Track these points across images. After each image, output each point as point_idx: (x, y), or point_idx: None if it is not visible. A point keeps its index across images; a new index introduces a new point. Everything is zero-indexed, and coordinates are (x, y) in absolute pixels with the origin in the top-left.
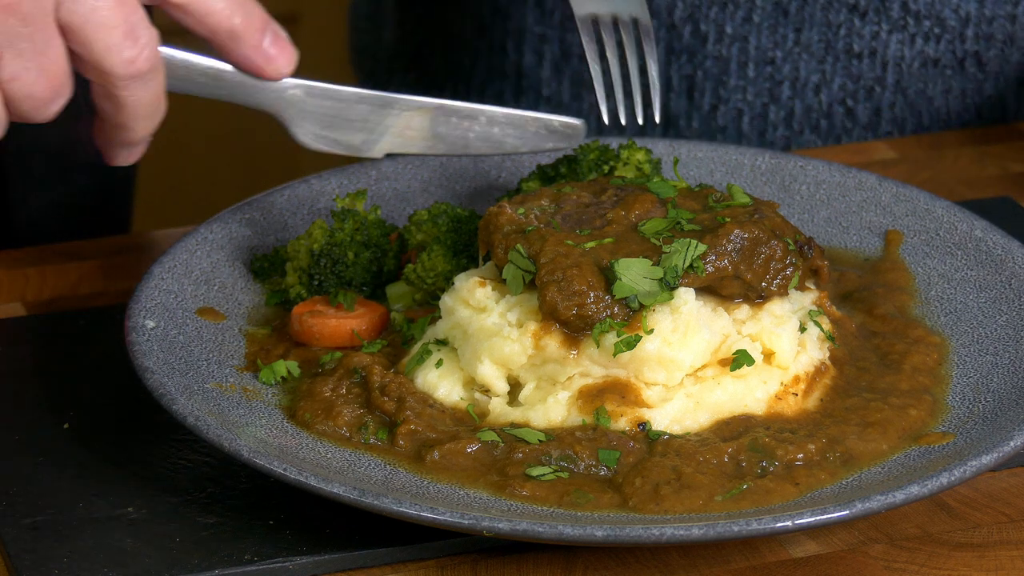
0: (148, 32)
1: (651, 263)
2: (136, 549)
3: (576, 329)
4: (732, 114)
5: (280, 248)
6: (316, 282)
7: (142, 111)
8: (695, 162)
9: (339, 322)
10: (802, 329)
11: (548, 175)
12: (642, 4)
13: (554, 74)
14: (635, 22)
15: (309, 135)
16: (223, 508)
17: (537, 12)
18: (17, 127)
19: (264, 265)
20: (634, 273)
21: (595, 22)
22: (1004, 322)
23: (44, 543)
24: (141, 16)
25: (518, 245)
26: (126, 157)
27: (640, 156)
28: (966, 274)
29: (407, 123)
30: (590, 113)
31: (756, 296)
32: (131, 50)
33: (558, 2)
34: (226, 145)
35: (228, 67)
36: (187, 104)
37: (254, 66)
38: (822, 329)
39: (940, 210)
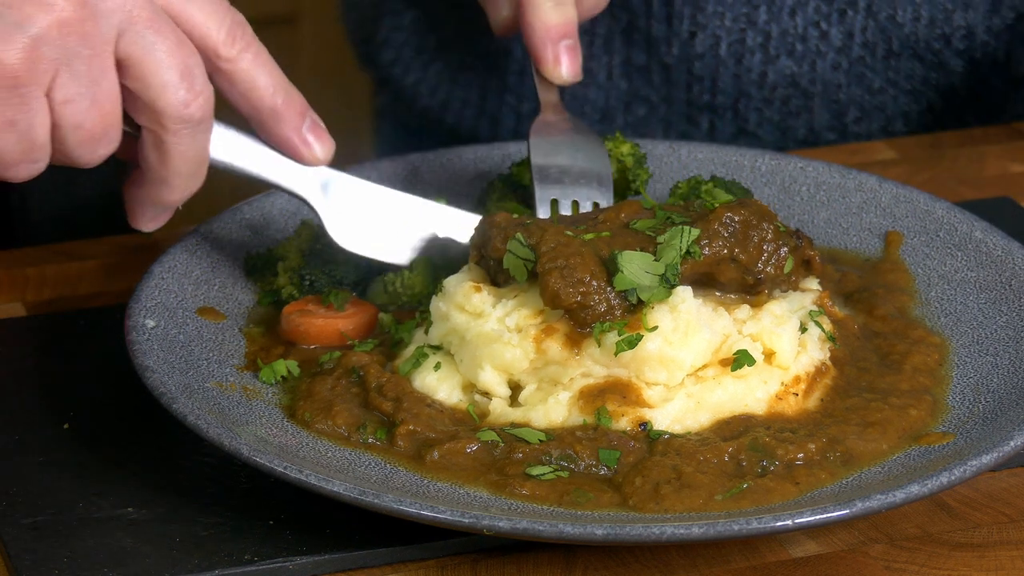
0: (204, 81)
1: (653, 259)
2: (136, 549)
3: (578, 319)
4: (710, 40)
5: (274, 248)
6: (307, 282)
7: (185, 167)
8: (695, 163)
9: (326, 321)
10: (803, 329)
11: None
12: (605, 184)
13: None
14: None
15: (341, 234)
16: (223, 508)
17: None
18: None
19: (257, 264)
20: (636, 266)
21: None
22: (1004, 323)
23: (44, 543)
24: (199, 62)
25: (518, 234)
26: (151, 219)
27: (625, 149)
28: (966, 275)
29: (439, 230)
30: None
31: (753, 280)
32: (187, 93)
33: None
34: None
35: (270, 149)
36: None
37: (292, 148)
38: (823, 329)
39: (940, 211)
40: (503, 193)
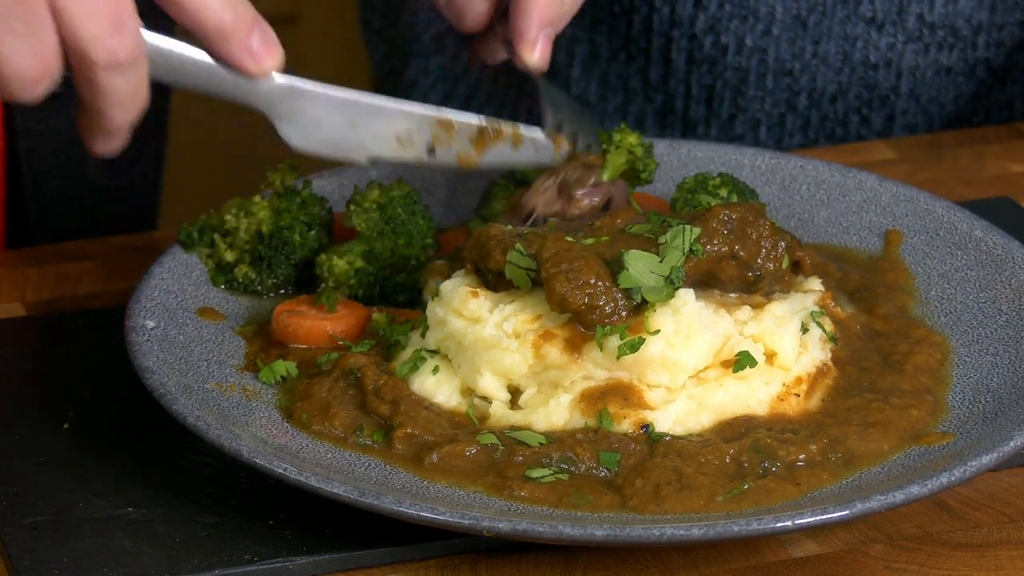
0: (133, 22)
1: (658, 260)
2: (136, 549)
3: (586, 320)
4: (750, 123)
5: (207, 218)
6: (266, 264)
7: (120, 100)
8: (695, 162)
9: (314, 323)
10: (804, 330)
11: None
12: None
13: (583, 73)
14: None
15: (295, 135)
16: (223, 508)
17: None
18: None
19: (194, 235)
20: (641, 266)
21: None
22: (1004, 322)
23: (44, 543)
24: (129, 7)
25: (517, 244)
26: (106, 146)
27: (632, 140)
28: (966, 274)
29: (394, 129)
30: (615, 113)
31: (754, 277)
32: (115, 42)
33: (588, 4)
34: (226, 145)
35: (214, 61)
36: (186, 104)
37: (240, 63)
38: (824, 330)
39: (940, 210)
40: (507, 192)
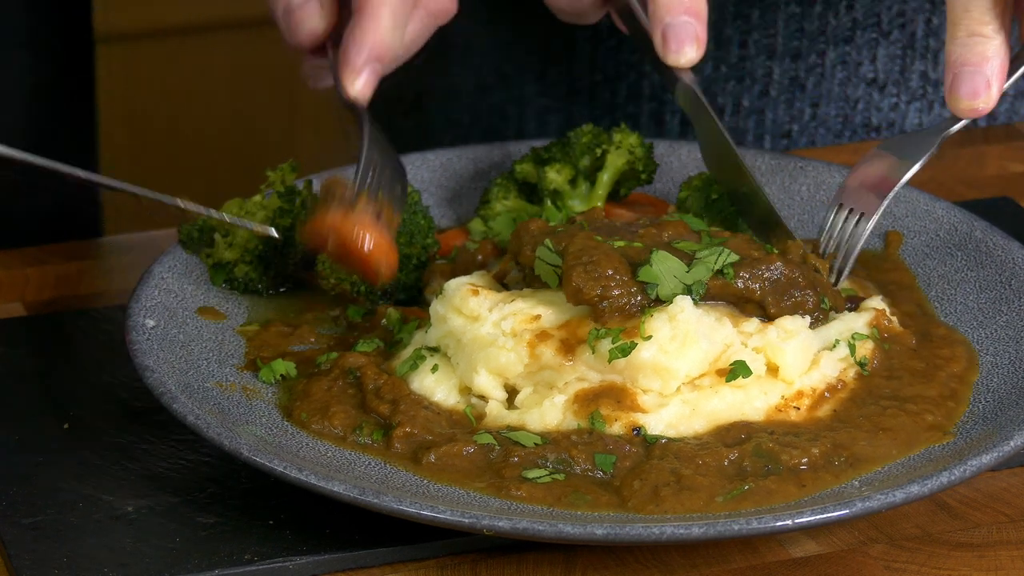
0: None
1: (685, 269)
2: (136, 549)
3: (598, 313)
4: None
5: (209, 219)
6: (266, 264)
7: None
8: (695, 162)
9: (382, 236)
10: (832, 347)
11: (542, 157)
12: None
13: None
14: None
15: None
16: (223, 508)
17: (541, 84)
18: None
19: (194, 235)
20: (666, 267)
21: None
22: (1004, 322)
23: (44, 543)
24: None
25: (547, 240)
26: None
27: (633, 140)
28: (966, 275)
29: None
30: None
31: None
32: None
33: (563, 75)
34: (227, 146)
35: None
36: (186, 104)
37: (342, 70)
38: (852, 353)
39: (940, 211)
40: (506, 191)
